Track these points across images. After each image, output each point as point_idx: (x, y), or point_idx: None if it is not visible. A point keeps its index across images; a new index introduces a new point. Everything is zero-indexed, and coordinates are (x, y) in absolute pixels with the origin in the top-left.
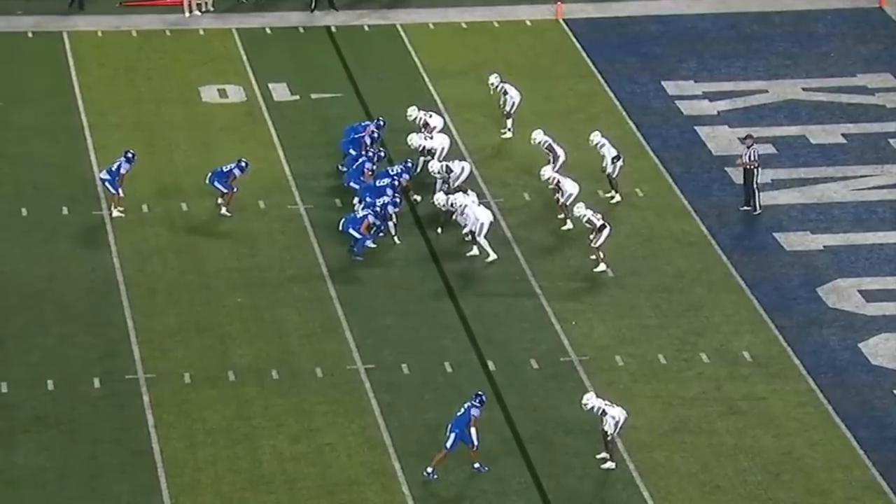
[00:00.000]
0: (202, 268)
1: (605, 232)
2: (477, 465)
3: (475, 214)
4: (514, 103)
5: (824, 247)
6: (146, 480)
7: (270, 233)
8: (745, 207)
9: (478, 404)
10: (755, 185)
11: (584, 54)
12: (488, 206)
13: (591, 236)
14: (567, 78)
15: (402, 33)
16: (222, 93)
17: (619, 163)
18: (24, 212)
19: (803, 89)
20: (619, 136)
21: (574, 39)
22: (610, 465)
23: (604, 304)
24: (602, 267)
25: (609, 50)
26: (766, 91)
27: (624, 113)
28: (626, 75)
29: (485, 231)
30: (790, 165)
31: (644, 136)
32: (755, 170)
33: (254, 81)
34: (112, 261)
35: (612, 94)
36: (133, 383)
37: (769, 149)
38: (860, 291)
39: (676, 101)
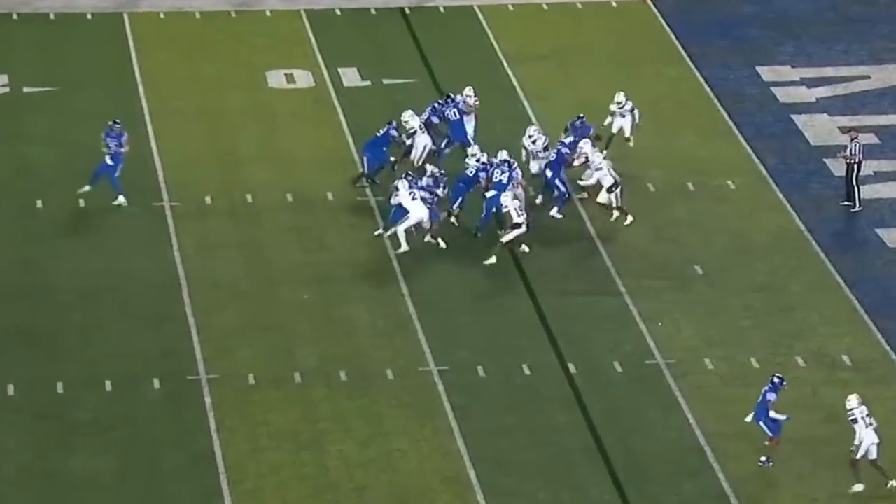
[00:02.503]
0: (267, 263)
1: (518, 232)
2: (764, 459)
3: (410, 206)
4: (620, 128)
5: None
6: (208, 486)
7: (339, 226)
8: (846, 202)
9: (771, 387)
10: (856, 181)
11: (672, 37)
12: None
13: (502, 230)
14: (655, 63)
15: (480, 14)
16: (289, 78)
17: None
18: (81, 203)
19: None
20: (709, 125)
21: (662, 21)
22: (857, 487)
23: (692, 304)
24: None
25: (700, 33)
26: (869, 77)
27: (715, 100)
28: (717, 60)
29: (408, 224)
30: (894, 157)
31: (736, 125)
32: (858, 165)
33: (323, 66)
34: (173, 255)
35: (702, 80)
36: (194, 384)
37: (871, 139)
38: None
39: (772, 88)
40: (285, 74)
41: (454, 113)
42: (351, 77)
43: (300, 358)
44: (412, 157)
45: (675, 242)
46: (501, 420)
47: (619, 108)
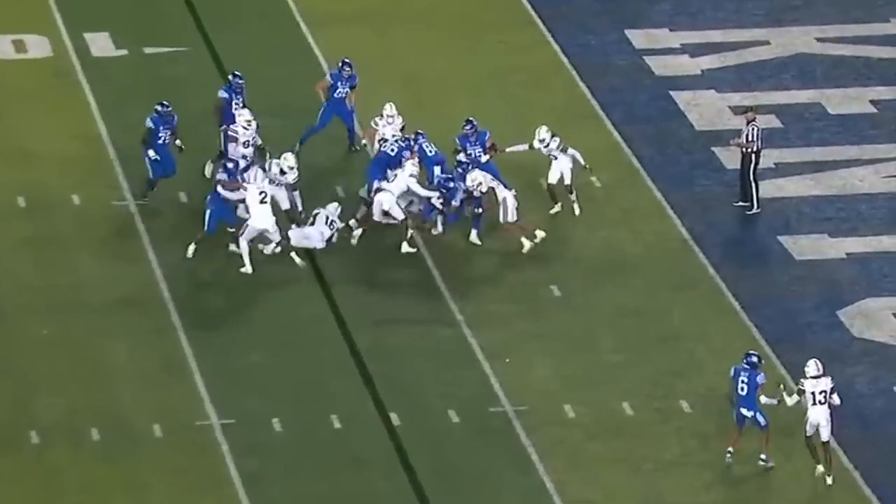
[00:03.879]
0: None
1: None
2: (764, 458)
3: (252, 211)
4: (560, 175)
5: (847, 255)
6: None
7: (88, 239)
8: (741, 203)
9: (747, 366)
10: (754, 176)
11: None
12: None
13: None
14: (498, 28)
15: None
16: (19, 45)
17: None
18: None
19: (818, 40)
20: (566, 106)
21: None
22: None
23: (548, 335)
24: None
25: None
26: (768, 42)
27: (574, 73)
28: (577, 22)
29: (251, 236)
30: (801, 144)
31: (601, 105)
32: (756, 154)
33: (63, 30)
34: None
35: (557, 49)
36: None
37: (772, 121)
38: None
39: (645, 57)
40: (13, 41)
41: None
42: (101, 45)
43: (39, 411)
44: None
45: (527, 257)
46: (305, 488)
47: (545, 147)
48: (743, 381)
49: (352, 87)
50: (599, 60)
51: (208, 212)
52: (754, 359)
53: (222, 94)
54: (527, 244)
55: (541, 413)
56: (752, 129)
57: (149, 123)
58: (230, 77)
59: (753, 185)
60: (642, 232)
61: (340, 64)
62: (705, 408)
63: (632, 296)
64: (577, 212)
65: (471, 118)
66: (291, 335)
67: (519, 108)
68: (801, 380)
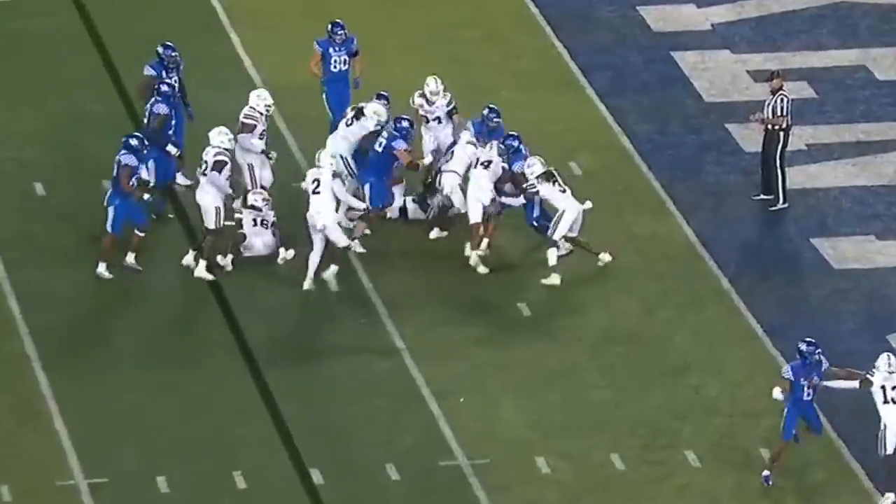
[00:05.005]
0: None
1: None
2: (766, 474)
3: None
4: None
5: None
6: None
7: None
8: (764, 196)
9: (815, 360)
10: (781, 160)
11: None
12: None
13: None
14: None
15: None
16: None
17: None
18: None
19: None
20: (539, 71)
21: None
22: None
23: (516, 366)
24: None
25: None
26: None
27: (546, 28)
28: None
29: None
30: (840, 119)
31: (583, 70)
32: (785, 133)
33: None
34: None
35: None
36: None
37: (804, 90)
38: None
39: (639, 8)
40: None
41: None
42: None
43: None
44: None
45: (490, 266)
46: None
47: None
48: (807, 386)
49: (351, 55)
50: (580, 11)
51: (111, 210)
52: (810, 346)
53: (149, 70)
54: (473, 255)
55: (506, 468)
56: (781, 99)
57: (163, 110)
58: (159, 49)
59: (780, 173)
60: (636, 234)
61: (330, 27)
62: (718, 460)
63: (623, 316)
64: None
65: (493, 106)
66: (183, 369)
67: (473, 73)
68: (872, 370)
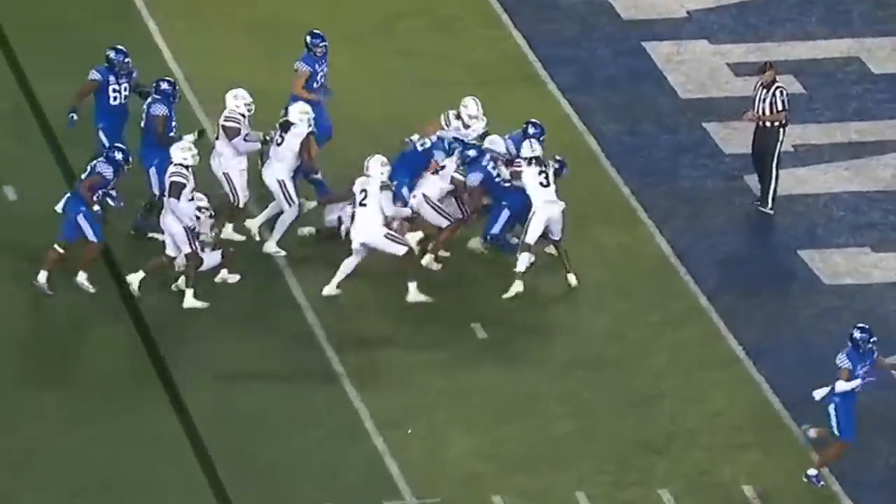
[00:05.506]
0: None
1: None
2: (813, 473)
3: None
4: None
5: None
6: None
7: None
8: (759, 204)
9: (862, 339)
10: (777, 162)
11: None
12: None
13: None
14: None
15: None
16: None
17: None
18: None
19: None
20: (495, 61)
21: None
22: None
23: (470, 394)
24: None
25: None
26: None
27: (504, 16)
28: None
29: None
30: (831, 118)
31: (544, 62)
32: (782, 130)
33: None
34: None
35: None
36: None
37: (791, 85)
38: None
39: None
40: None
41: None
42: None
43: None
44: None
45: (438, 284)
46: None
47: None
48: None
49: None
50: None
51: (82, 219)
52: (864, 334)
53: (95, 74)
54: (427, 257)
55: None
56: (780, 92)
57: (161, 111)
58: (110, 53)
59: (774, 174)
60: (604, 245)
61: (309, 39)
62: (696, 499)
63: (589, 338)
64: None
65: (535, 121)
66: (95, 399)
67: (421, 67)
68: None
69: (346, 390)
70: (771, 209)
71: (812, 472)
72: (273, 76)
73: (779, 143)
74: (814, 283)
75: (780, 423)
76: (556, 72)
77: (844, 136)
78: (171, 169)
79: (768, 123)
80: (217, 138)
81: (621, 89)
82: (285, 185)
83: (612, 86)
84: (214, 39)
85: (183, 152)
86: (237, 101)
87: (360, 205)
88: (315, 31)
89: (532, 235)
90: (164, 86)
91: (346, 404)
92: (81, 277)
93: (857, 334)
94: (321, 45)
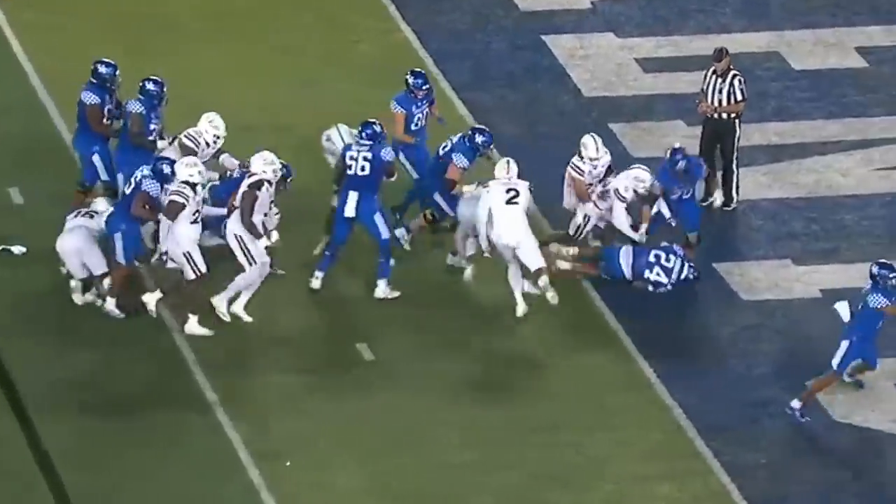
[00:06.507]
0: None
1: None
2: (798, 406)
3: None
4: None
5: (823, 292)
6: None
7: None
8: (709, 201)
9: (881, 276)
10: (736, 156)
11: None
12: None
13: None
14: None
15: None
16: None
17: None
18: None
19: None
20: (385, 59)
21: None
22: None
23: (355, 422)
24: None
25: None
26: None
27: (390, 5)
28: None
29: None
30: (748, 118)
31: (435, 58)
32: (737, 122)
33: None
34: None
35: None
36: None
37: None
38: None
39: None
40: None
41: None
42: None
43: None
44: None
45: (323, 299)
46: None
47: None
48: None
49: (430, 104)
50: None
51: (118, 238)
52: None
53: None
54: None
55: None
56: (738, 80)
57: (136, 108)
58: (96, 66)
59: (737, 168)
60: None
61: (411, 79)
62: None
63: (488, 360)
64: None
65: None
66: None
67: (302, 64)
68: None
69: (218, 419)
70: (735, 205)
71: (796, 404)
72: (140, 73)
73: (737, 138)
74: (731, 298)
75: (694, 451)
76: (448, 68)
77: (763, 139)
78: (173, 187)
79: (724, 115)
80: (169, 143)
81: (520, 87)
82: (243, 241)
83: (509, 83)
84: (69, 32)
85: (188, 168)
86: (209, 128)
87: (510, 203)
88: (417, 70)
89: (482, 239)
90: (150, 86)
91: (219, 433)
92: (109, 304)
93: (875, 270)
94: (425, 87)
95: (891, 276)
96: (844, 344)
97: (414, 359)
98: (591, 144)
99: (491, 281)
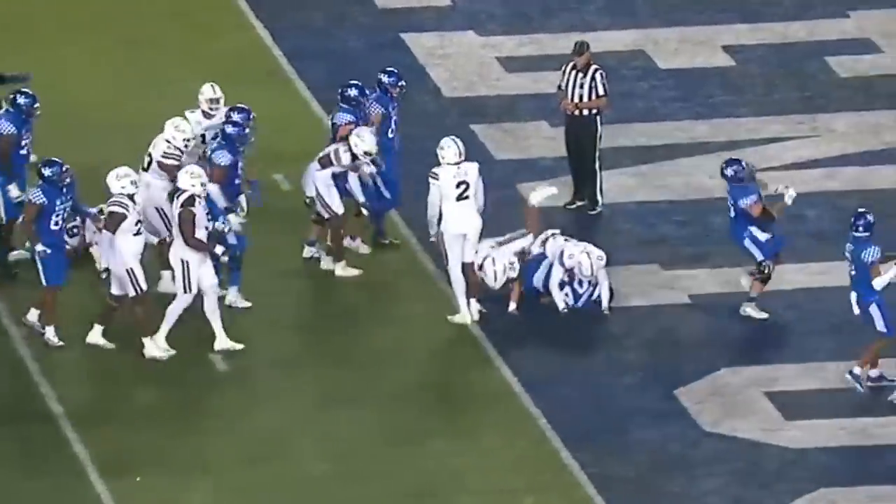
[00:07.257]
0: None
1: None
2: (858, 371)
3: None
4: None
5: (692, 297)
6: None
7: None
8: (580, 203)
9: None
10: (597, 154)
11: None
12: None
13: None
14: None
15: None
16: None
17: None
18: None
19: None
20: (238, 56)
21: None
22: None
23: (209, 434)
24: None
25: None
26: None
27: (243, 3)
28: None
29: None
30: (612, 118)
31: (289, 57)
32: (597, 118)
33: None
34: None
35: None
36: None
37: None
38: (770, 395)
39: None
40: None
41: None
42: None
43: None
44: None
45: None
46: None
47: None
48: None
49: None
50: None
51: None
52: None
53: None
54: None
55: None
56: (600, 75)
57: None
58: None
59: (599, 167)
60: (366, 262)
61: (386, 78)
62: None
63: (346, 368)
64: None
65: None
66: None
67: (152, 60)
68: None
69: (63, 432)
70: (600, 208)
71: (857, 370)
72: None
73: (599, 136)
74: (595, 305)
75: (559, 463)
76: (304, 67)
77: (629, 140)
78: (111, 199)
79: (586, 111)
80: (146, 169)
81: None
82: (188, 266)
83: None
84: None
85: (120, 180)
86: (176, 133)
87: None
88: (390, 69)
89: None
90: (21, 99)
91: (65, 448)
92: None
93: (861, 221)
94: (399, 85)
95: (859, 223)
96: (874, 308)
97: (267, 369)
98: (450, 148)
99: (350, 284)
